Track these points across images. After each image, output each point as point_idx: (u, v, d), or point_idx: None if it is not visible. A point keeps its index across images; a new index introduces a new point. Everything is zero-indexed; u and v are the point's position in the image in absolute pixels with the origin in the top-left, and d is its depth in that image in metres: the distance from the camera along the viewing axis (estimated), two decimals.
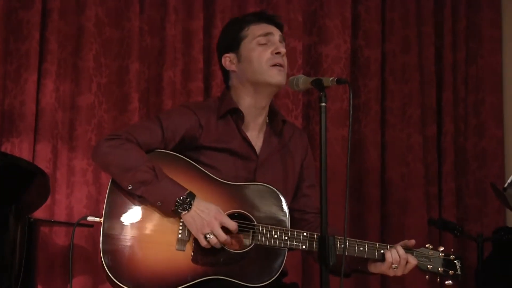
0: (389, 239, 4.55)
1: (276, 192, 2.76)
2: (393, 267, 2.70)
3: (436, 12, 4.95)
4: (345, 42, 4.67)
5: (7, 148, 3.92)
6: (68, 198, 4.03)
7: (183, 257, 2.64)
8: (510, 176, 3.57)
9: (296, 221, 2.90)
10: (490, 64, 4.94)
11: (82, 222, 2.80)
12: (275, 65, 2.84)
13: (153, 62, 4.33)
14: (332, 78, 2.58)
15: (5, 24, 4.01)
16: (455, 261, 2.77)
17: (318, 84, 2.59)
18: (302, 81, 2.68)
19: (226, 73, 2.97)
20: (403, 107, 4.79)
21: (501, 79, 4.97)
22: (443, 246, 2.83)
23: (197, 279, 2.63)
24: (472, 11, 5.00)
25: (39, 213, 3.78)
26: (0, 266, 3.18)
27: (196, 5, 4.38)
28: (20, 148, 3.92)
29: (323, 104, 2.53)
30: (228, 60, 2.93)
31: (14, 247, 3.25)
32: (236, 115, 2.89)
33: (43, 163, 3.90)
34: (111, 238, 2.63)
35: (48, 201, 3.76)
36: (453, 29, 4.94)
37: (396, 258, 2.70)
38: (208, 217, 2.61)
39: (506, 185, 3.44)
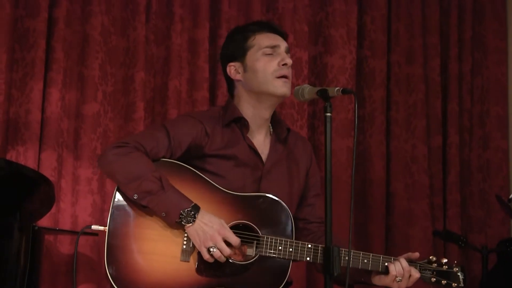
0: (393, 250, 4.54)
1: (281, 203, 2.75)
2: (397, 280, 2.70)
3: (442, 23, 4.95)
4: (350, 52, 4.67)
5: (12, 156, 3.92)
6: (73, 206, 4.03)
7: (188, 268, 2.64)
8: None
9: (299, 230, 2.90)
10: (496, 75, 4.94)
11: (86, 230, 2.80)
12: (281, 76, 2.84)
13: (159, 71, 4.33)
14: (337, 88, 2.59)
15: (11, 33, 4.02)
16: (458, 274, 2.77)
17: (323, 94, 2.60)
18: (308, 91, 2.69)
19: (230, 82, 2.97)
20: (408, 117, 4.78)
21: (506, 90, 4.97)
22: (447, 257, 2.84)
23: None
24: (478, 22, 5.00)
25: (44, 221, 3.78)
26: (4, 273, 3.17)
27: (202, 14, 4.38)
28: (25, 156, 3.92)
29: (328, 114, 2.54)
30: (234, 69, 2.92)
31: (18, 255, 3.25)
32: (240, 123, 2.89)
33: (48, 172, 3.90)
34: (116, 249, 2.62)
35: (53, 210, 3.76)
36: (458, 40, 4.93)
37: (400, 270, 2.70)
38: (211, 231, 2.60)
39: (511, 196, 3.44)
